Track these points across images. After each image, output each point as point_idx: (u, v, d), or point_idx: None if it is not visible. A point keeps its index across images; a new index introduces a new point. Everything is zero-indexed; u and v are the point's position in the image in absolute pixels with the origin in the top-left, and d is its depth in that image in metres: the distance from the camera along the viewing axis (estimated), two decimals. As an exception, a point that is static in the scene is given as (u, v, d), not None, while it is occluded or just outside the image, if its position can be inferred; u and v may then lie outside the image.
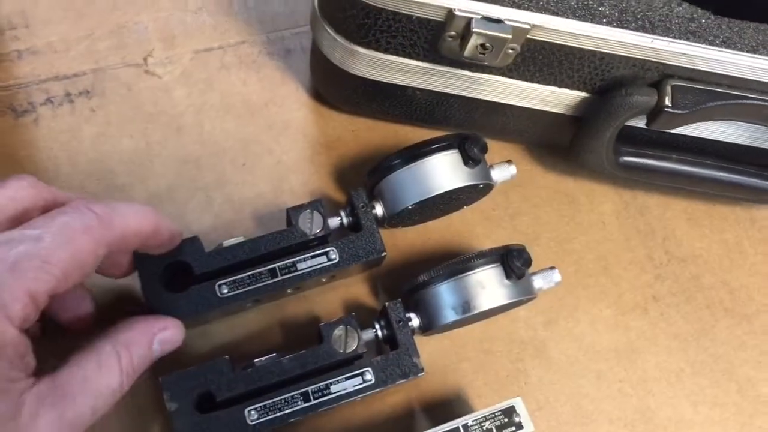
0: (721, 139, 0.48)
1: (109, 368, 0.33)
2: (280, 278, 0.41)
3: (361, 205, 0.43)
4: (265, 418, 0.38)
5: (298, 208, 0.42)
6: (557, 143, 0.49)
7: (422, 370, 0.40)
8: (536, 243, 0.48)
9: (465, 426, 0.38)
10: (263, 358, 0.39)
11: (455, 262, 0.40)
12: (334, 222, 0.43)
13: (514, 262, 0.40)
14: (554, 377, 0.45)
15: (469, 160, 0.42)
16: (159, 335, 0.36)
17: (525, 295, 0.41)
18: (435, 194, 0.42)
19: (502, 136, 0.50)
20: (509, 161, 0.45)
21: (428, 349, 0.44)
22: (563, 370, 0.46)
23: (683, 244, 0.50)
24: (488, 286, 0.40)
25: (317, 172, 0.48)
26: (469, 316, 0.40)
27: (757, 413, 0.46)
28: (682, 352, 0.47)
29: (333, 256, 0.41)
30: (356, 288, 0.45)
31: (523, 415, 0.39)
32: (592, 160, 0.46)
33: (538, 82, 0.44)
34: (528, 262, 0.40)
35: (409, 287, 0.42)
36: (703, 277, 0.49)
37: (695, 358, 0.47)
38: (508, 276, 0.40)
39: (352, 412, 0.42)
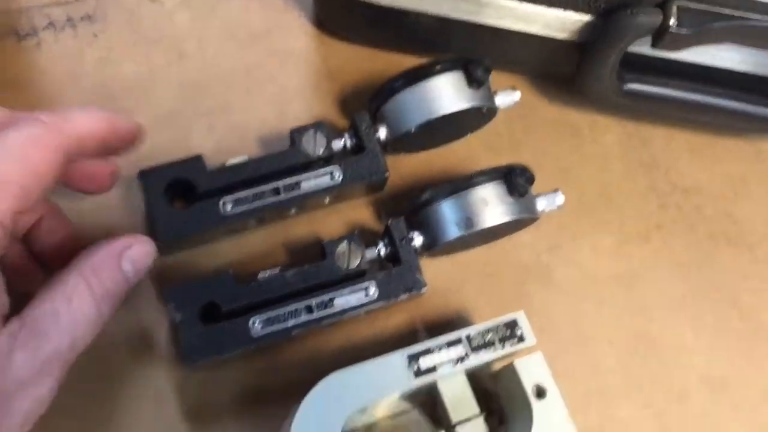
0: (726, 67, 0.48)
1: (80, 298, 0.31)
2: (283, 196, 0.41)
3: (365, 127, 0.43)
4: (268, 329, 0.38)
5: (302, 129, 0.42)
6: (561, 73, 0.48)
7: (425, 284, 0.40)
8: (539, 172, 0.47)
9: (468, 337, 0.38)
10: (266, 272, 0.40)
11: (458, 179, 0.40)
12: (337, 144, 0.43)
13: (517, 178, 0.40)
14: (556, 301, 0.45)
15: (473, 81, 0.42)
16: (126, 253, 0.34)
17: (528, 214, 0.41)
18: (438, 116, 0.42)
19: (506, 66, 0.50)
20: (513, 87, 0.45)
21: (431, 271, 0.44)
22: (565, 294, 0.46)
23: (686, 176, 0.50)
24: (491, 202, 0.40)
25: (320, 99, 0.48)
26: (471, 232, 0.40)
27: (758, 339, 0.46)
28: (684, 280, 0.47)
29: (336, 176, 0.41)
30: (360, 212, 0.45)
31: (525, 327, 0.39)
32: (596, 88, 0.46)
33: (543, 4, 0.44)
34: (531, 179, 0.40)
35: (412, 206, 0.42)
36: (706, 207, 0.49)
37: (697, 286, 0.47)
38: (510, 193, 0.40)
39: (355, 330, 0.42)
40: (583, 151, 0.50)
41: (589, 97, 0.47)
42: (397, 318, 0.43)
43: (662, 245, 0.48)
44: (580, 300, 0.46)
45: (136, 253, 0.34)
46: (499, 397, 0.41)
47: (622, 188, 0.49)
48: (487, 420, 0.39)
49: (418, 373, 0.37)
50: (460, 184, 0.40)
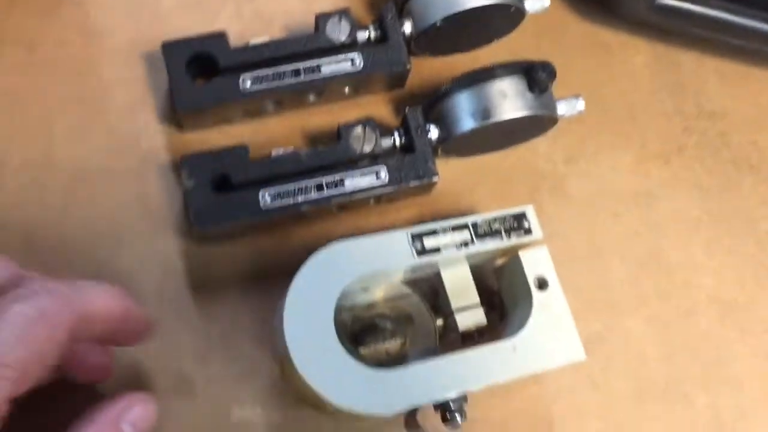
0: (764, -12, 0.46)
1: None
2: (303, 78, 0.41)
3: (390, 17, 0.43)
4: (277, 203, 0.39)
5: (327, 15, 0.42)
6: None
7: (436, 173, 0.40)
8: (564, 86, 0.46)
9: (474, 224, 0.38)
10: (280, 149, 0.40)
11: (478, 70, 0.40)
12: (361, 34, 0.43)
13: (538, 72, 0.39)
14: (570, 211, 0.45)
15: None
16: (126, 417, 0.30)
17: (546, 111, 0.41)
18: (464, 8, 0.41)
19: (539, -23, 0.49)
20: (543, -7, 0.45)
21: (446, 171, 0.44)
22: (579, 206, 0.45)
23: (714, 102, 0.49)
24: (510, 95, 0.40)
25: (348, -2, 0.48)
26: (487, 124, 0.40)
27: (773, 265, 0.46)
28: (702, 202, 0.47)
29: (357, 62, 0.42)
30: (379, 108, 0.45)
31: (533, 221, 0.39)
32: (627, 1, 0.45)
33: None
34: (552, 74, 0.40)
35: (430, 99, 0.42)
36: (732, 134, 0.49)
37: (715, 210, 0.47)
38: (530, 88, 0.40)
39: (365, 220, 0.43)
40: (610, 69, 0.49)
41: (620, 11, 0.47)
42: (407, 213, 0.43)
43: (683, 167, 0.47)
44: (593, 212, 0.45)
45: (138, 415, 0.31)
46: (501, 292, 0.41)
47: (648, 109, 0.48)
48: (487, 315, 0.39)
49: (421, 252, 0.37)
50: (479, 74, 0.40)
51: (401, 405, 0.34)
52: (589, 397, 0.42)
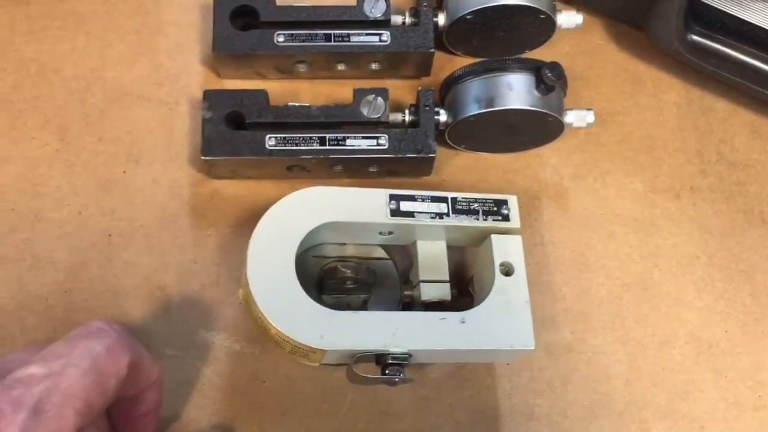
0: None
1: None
2: (333, 43, 0.44)
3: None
4: (281, 147, 0.42)
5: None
6: (636, 20, 0.49)
7: (434, 151, 0.42)
8: (587, 105, 0.48)
9: (453, 198, 0.40)
10: (297, 103, 0.43)
11: (491, 60, 0.42)
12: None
13: (545, 71, 0.41)
14: (565, 223, 0.46)
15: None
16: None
17: (550, 112, 0.42)
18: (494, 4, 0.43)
19: (585, 1, 0.51)
20: (578, 11, 0.46)
21: (453, 163, 0.46)
22: (576, 219, 0.46)
23: (739, 151, 0.49)
24: (516, 88, 0.41)
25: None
26: (489, 111, 0.41)
27: (764, 318, 0.45)
28: (703, 243, 0.46)
29: (384, 39, 0.44)
30: (402, 93, 0.47)
31: (513, 210, 0.40)
32: (661, 32, 0.46)
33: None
34: (560, 74, 0.41)
35: (445, 81, 0.44)
36: (750, 185, 0.48)
37: (715, 252, 0.46)
38: (537, 85, 0.41)
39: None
40: (639, 101, 0.50)
41: (654, 40, 0.47)
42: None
43: (691, 206, 0.47)
44: (589, 229, 0.46)
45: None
46: (474, 278, 0.42)
47: (668, 145, 0.49)
48: (456, 300, 0.40)
49: (395, 212, 0.39)
50: (491, 65, 0.42)
51: (338, 344, 0.35)
52: (544, 400, 0.42)
